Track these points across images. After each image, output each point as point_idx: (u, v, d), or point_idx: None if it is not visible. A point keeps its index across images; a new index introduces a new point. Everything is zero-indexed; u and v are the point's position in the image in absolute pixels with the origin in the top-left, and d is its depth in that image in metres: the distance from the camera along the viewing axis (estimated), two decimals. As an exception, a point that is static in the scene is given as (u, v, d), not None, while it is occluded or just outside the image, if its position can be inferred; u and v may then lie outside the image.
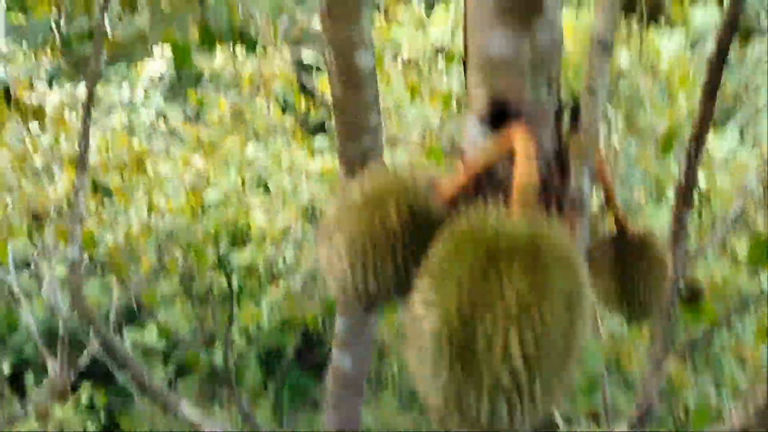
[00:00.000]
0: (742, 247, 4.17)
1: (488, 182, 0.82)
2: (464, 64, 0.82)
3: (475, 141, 0.84)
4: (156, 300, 6.52)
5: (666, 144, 3.65)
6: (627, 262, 1.41)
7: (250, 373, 8.52)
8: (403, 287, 0.88)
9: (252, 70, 6.37)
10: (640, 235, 1.43)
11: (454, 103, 4.79)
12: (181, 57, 4.02)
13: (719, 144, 6.00)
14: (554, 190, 0.82)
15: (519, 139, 0.78)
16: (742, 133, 4.79)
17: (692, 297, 3.12)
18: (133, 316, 8.43)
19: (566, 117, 0.82)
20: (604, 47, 1.44)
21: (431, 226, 0.87)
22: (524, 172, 0.78)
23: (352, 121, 2.50)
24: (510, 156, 0.80)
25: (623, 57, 5.38)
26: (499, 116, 0.79)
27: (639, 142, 4.96)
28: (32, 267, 6.13)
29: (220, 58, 6.43)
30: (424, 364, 0.78)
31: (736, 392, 3.78)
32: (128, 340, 8.01)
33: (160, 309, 7.88)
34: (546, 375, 0.77)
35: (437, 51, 4.89)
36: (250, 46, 4.25)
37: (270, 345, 8.70)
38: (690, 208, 3.15)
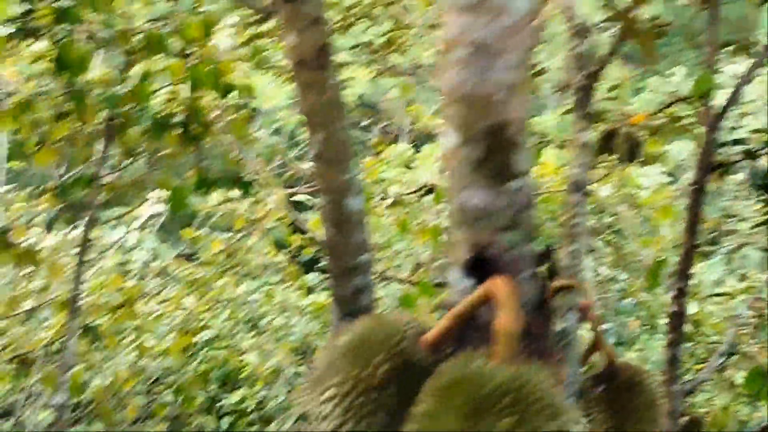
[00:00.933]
0: (740, 376, 4.12)
1: (472, 327, 0.85)
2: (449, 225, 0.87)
3: (458, 290, 0.88)
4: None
5: (653, 276, 3.72)
6: (619, 401, 1.41)
7: None
8: (392, 437, 0.88)
9: (246, 209, 6.52)
10: (630, 372, 1.44)
11: (442, 237, 4.88)
12: (178, 201, 4.12)
13: (707, 274, 6.08)
14: (536, 336, 0.84)
15: (500, 288, 0.82)
16: (729, 261, 4.88)
17: (692, 430, 3.05)
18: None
19: (545, 264, 0.86)
20: (579, 188, 1.53)
21: (418, 373, 0.88)
22: (506, 320, 0.81)
23: (343, 262, 2.56)
24: (492, 302, 0.83)
25: (605, 192, 5.57)
26: (480, 266, 0.83)
27: (628, 274, 5.04)
28: (16, 414, 5.93)
29: (214, 198, 6.59)
30: None
31: None
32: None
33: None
34: None
35: (425, 188, 5.05)
36: (245, 189, 4.37)
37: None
38: (681, 341, 3.17)
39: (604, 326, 4.35)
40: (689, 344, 4.99)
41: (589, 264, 4.62)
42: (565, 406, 0.80)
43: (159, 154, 4.81)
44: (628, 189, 5.59)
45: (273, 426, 6.49)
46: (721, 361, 3.22)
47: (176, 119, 4.17)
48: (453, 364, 0.82)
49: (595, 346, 1.38)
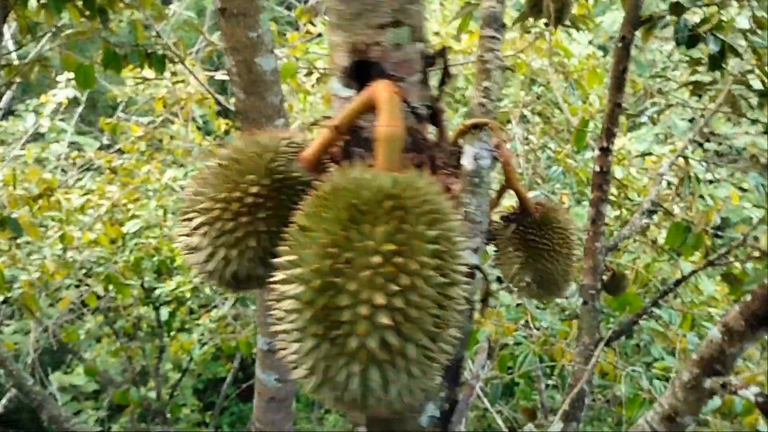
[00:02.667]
0: (663, 236, 4.26)
1: (358, 141, 0.76)
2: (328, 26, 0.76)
3: (340, 101, 0.78)
4: (77, 338, 6.21)
5: (578, 138, 3.71)
6: (531, 238, 1.38)
7: (187, 407, 8.25)
8: (271, 264, 0.80)
9: (166, 93, 6.21)
10: (544, 209, 1.40)
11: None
12: (83, 79, 3.85)
13: (637, 143, 6.17)
14: (426, 146, 0.76)
15: (381, 93, 0.72)
16: (654, 123, 4.93)
17: (614, 285, 3.14)
18: (60, 360, 8.05)
19: (435, 67, 0.77)
20: (493, 22, 1.42)
21: (296, 192, 0.80)
22: (386, 123, 0.72)
23: (257, 127, 2.43)
24: (376, 112, 0.74)
25: (535, 61, 5.49)
26: (361, 72, 0.73)
27: (557, 141, 5.05)
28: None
29: (133, 84, 6.25)
30: (288, 333, 0.70)
31: (667, 379, 3.83)
32: (55, 383, 7.65)
33: (87, 347, 7.56)
34: (420, 335, 0.70)
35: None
36: (159, 66, 4.09)
37: (205, 376, 8.46)
38: (605, 199, 3.20)
39: (533, 193, 4.38)
40: (616, 209, 5.13)
41: (519, 132, 4.60)
42: (447, 213, 0.72)
43: (66, 33, 4.45)
44: (558, 58, 5.52)
45: (213, 311, 6.51)
46: (642, 218, 3.28)
47: (75, -11, 3.83)
48: (331, 175, 0.74)
49: (508, 184, 1.33)
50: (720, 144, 8.59)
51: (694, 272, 3.08)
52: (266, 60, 2.20)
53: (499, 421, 5.54)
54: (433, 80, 0.78)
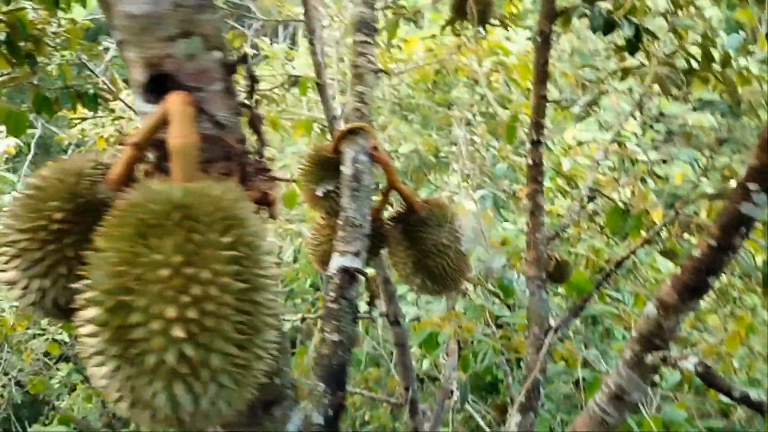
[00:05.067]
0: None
1: (167, 159, 0.76)
2: (119, 44, 0.75)
3: (143, 116, 0.78)
4: (45, 389, 6.11)
5: (509, 133, 3.75)
6: (419, 236, 1.39)
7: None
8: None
9: (114, 130, 6.17)
10: (429, 207, 1.41)
11: (314, 130, 4.77)
12: (14, 126, 3.81)
13: (584, 134, 6.25)
14: (236, 157, 0.76)
15: (172, 105, 0.73)
16: (588, 113, 4.99)
17: (559, 273, 3.17)
18: (38, 412, 7.91)
19: (236, 73, 0.77)
20: (363, 27, 1.44)
21: (103, 213, 0.80)
22: (177, 134, 0.72)
23: (119, 143, 2.42)
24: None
25: (474, 62, 5.55)
26: (160, 86, 0.73)
27: (501, 140, 5.10)
28: None
29: (74, 125, 6.19)
30: (91, 357, 0.70)
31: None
32: (35, 437, 7.51)
33: (62, 397, 7.43)
34: (222, 344, 0.69)
35: (291, 79, 4.87)
36: (91, 105, 4.07)
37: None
38: (541, 190, 3.24)
39: (481, 192, 4.42)
40: (568, 199, 5.18)
41: (462, 134, 4.64)
42: (245, 219, 0.73)
43: (-3, 81, 4.40)
44: (496, 57, 5.59)
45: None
46: (582, 205, 3.32)
47: (-1, 37, 3.80)
48: (129, 193, 0.74)
49: (391, 185, 1.34)
50: (670, 123, 8.73)
51: (632, 252, 3.12)
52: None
53: (479, 420, 5.55)
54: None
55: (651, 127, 8.21)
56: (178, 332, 0.67)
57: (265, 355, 0.73)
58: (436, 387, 6.39)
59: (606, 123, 7.59)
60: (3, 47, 3.92)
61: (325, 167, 1.34)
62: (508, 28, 4.50)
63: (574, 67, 6.44)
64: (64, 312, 0.83)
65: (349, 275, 1.12)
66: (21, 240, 0.83)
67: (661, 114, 8.66)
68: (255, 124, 0.80)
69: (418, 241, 1.37)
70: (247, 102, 0.79)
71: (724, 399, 3.82)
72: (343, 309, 1.10)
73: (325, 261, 1.50)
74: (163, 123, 0.74)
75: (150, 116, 0.75)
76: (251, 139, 0.80)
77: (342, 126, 1.51)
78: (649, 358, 2.38)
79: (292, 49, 8.50)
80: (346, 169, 1.23)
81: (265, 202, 0.77)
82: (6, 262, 0.83)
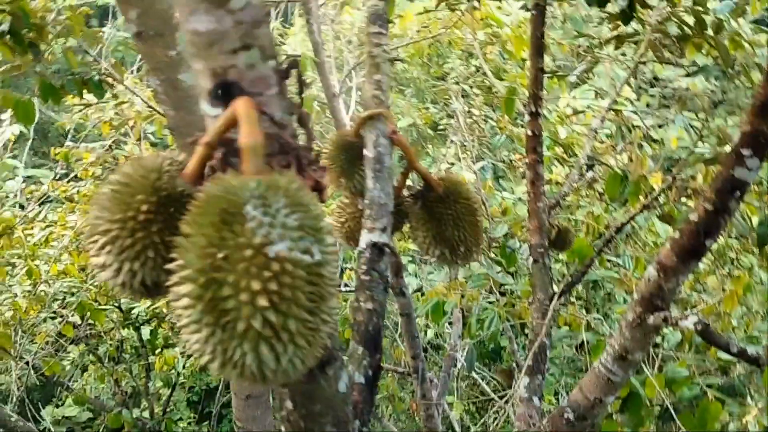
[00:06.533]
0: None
1: (234, 154, 0.87)
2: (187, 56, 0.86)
3: (210, 119, 0.89)
4: (59, 370, 6.25)
5: (507, 105, 3.84)
6: (438, 211, 1.50)
7: (183, 421, 8.32)
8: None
9: (114, 114, 6.23)
10: (446, 184, 1.53)
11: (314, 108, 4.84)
12: (23, 114, 3.89)
13: (579, 102, 6.33)
14: (293, 152, 0.87)
15: (240, 108, 0.83)
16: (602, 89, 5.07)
17: (561, 240, 3.29)
18: (50, 394, 8.07)
19: (289, 78, 0.87)
20: (377, 19, 1.53)
21: (182, 204, 0.92)
22: (245, 134, 0.83)
23: (190, 141, 2.50)
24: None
25: (469, 35, 5.60)
26: (225, 92, 0.84)
27: (498, 111, 5.18)
28: None
29: (76, 111, 6.25)
30: (187, 326, 0.82)
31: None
32: (48, 417, 7.67)
33: (74, 377, 7.58)
34: (297, 311, 0.81)
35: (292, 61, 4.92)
36: (97, 91, 4.13)
37: (198, 387, 8.53)
38: (540, 161, 3.34)
39: (481, 163, 4.52)
40: (567, 168, 5.28)
41: (459, 107, 4.72)
42: (308, 204, 0.84)
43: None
44: (491, 29, 5.64)
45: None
46: (581, 173, 3.42)
47: (1, 28, 3.85)
48: (207, 186, 0.86)
49: (410, 165, 1.44)
50: (665, 88, 8.79)
51: (632, 217, 3.23)
52: (189, 75, 2.28)
53: (484, 386, 5.71)
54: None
55: (645, 92, 8.28)
56: (262, 302, 0.79)
57: (330, 319, 0.85)
58: (439, 356, 6.55)
59: (601, 90, 7.66)
60: (6, 37, 3.98)
61: (347, 151, 1.46)
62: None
63: (567, 34, 6.49)
64: (148, 290, 0.97)
65: (378, 249, 1.23)
66: (113, 229, 0.96)
67: (655, 78, 8.71)
68: (303, 121, 0.90)
69: (437, 216, 1.49)
70: (296, 102, 0.89)
71: (724, 356, 3.96)
72: (374, 280, 1.21)
73: (350, 237, 1.62)
74: (231, 124, 0.85)
75: (219, 119, 0.85)
76: (300, 133, 0.90)
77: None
78: (651, 319, 2.51)
79: (284, 26, 8.50)
80: (369, 152, 1.33)
81: (317, 188, 0.88)
82: (99, 248, 0.95)
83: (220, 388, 8.00)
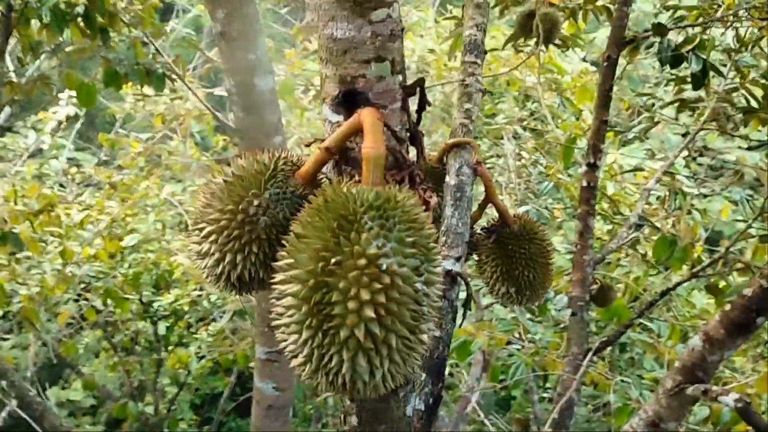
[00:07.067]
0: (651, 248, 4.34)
1: (347, 160, 0.86)
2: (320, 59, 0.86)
3: (330, 125, 0.88)
4: (76, 352, 6.27)
5: (566, 154, 3.81)
6: (509, 248, 1.47)
7: (185, 422, 8.27)
8: (272, 267, 0.91)
9: (165, 109, 6.31)
10: (522, 223, 1.50)
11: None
12: (85, 97, 3.95)
13: (629, 158, 6.27)
14: (407, 167, 0.86)
15: (366, 118, 0.82)
16: (643, 140, 5.03)
17: (602, 297, 3.23)
18: (57, 375, 8.09)
19: (413, 96, 0.86)
20: (474, 49, 1.52)
21: (293, 204, 0.91)
22: (371, 145, 0.82)
23: (255, 144, 2.52)
24: (363, 135, 0.84)
25: (529, 78, 5.60)
26: (350, 100, 0.83)
27: (549, 157, 5.15)
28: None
29: (131, 100, 6.34)
30: (287, 326, 0.81)
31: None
32: (52, 398, 7.68)
33: (85, 362, 7.60)
34: (400, 327, 0.80)
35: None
36: (159, 84, 4.19)
37: (204, 390, 8.49)
38: (593, 213, 3.30)
39: (525, 208, 4.48)
40: (608, 224, 5.22)
41: (510, 148, 4.70)
42: (423, 223, 0.83)
43: (66, 50, 4.55)
44: (551, 75, 5.64)
45: (211, 325, 6.57)
46: (629, 232, 3.38)
47: (77, 10, 3.94)
48: (323, 190, 0.85)
49: (488, 198, 1.42)
50: (713, 159, 8.69)
51: (678, 284, 3.17)
52: (264, 80, 2.31)
53: (493, 433, 5.60)
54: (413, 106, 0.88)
55: (694, 159, 8.19)
56: (369, 312, 0.78)
57: (426, 341, 0.83)
58: (449, 395, 6.45)
59: (650, 150, 7.58)
60: (80, 19, 4.06)
61: (428, 176, 1.44)
62: (568, 48, 4.54)
63: (621, 91, 6.46)
64: (242, 284, 0.96)
65: (450, 278, 1.21)
66: (221, 219, 0.95)
67: (705, 147, 8.61)
68: (417, 139, 0.89)
69: (509, 253, 1.46)
70: (413, 120, 0.88)
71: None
72: (444, 308, 1.19)
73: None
74: (353, 132, 0.84)
75: (344, 125, 0.84)
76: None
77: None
78: (690, 390, 2.44)
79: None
80: (451, 180, 1.32)
81: (426, 208, 0.86)
82: (203, 236, 0.95)
83: (224, 394, 7.96)
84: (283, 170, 0.96)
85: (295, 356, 0.81)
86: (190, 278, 5.95)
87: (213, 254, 0.96)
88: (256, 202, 0.94)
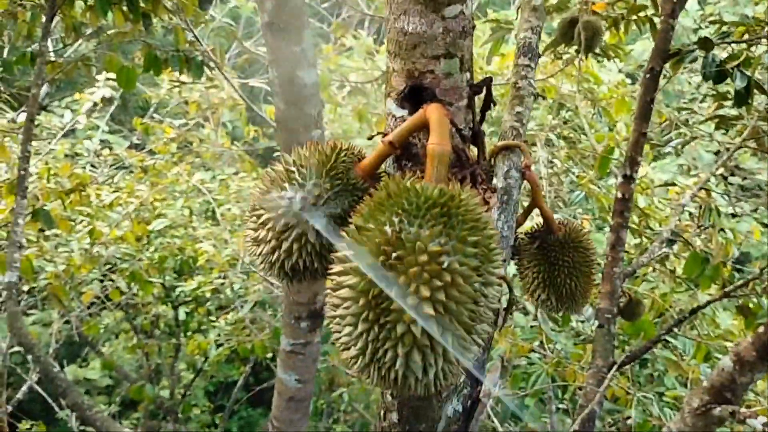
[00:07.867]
0: (681, 264, 4.28)
1: (409, 156, 0.85)
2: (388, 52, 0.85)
3: (394, 119, 0.87)
4: (98, 332, 6.33)
5: (602, 164, 3.77)
6: (553, 255, 1.46)
7: (198, 408, 8.33)
8: (327, 258, 0.90)
9: (199, 97, 6.36)
10: (567, 230, 1.48)
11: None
12: (125, 80, 3.98)
13: (661, 173, 6.20)
14: (467, 163, 0.85)
15: (432, 114, 0.81)
16: (678, 155, 4.97)
17: (630, 311, 3.19)
18: (76, 353, 8.19)
19: (480, 95, 0.85)
20: (528, 52, 1.51)
21: (352, 195, 0.90)
22: (436, 141, 0.81)
23: (294, 137, 2.52)
24: (426, 131, 0.83)
25: (564, 86, 5.56)
26: (416, 96, 0.82)
27: (581, 166, 5.11)
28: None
29: (167, 86, 6.39)
30: (342, 318, 0.80)
31: (678, 408, 3.85)
32: (69, 376, 7.77)
33: (104, 342, 7.68)
34: (457, 326, 0.79)
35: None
36: (197, 72, 4.21)
37: (218, 378, 8.55)
38: (626, 225, 3.26)
39: (555, 216, 4.44)
40: (637, 237, 5.16)
41: (543, 156, 4.67)
42: (486, 223, 0.82)
43: (108, 33, 4.59)
44: (587, 84, 5.59)
45: (231, 313, 6.61)
46: (661, 247, 3.33)
47: (122, -6, 3.98)
48: (386, 183, 0.84)
49: (534, 203, 1.41)
50: (744, 179, 8.57)
51: (709, 303, 3.12)
52: (308, 73, 2.30)
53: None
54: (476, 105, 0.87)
55: (725, 178, 8.08)
56: (428, 309, 0.77)
57: (481, 342, 0.82)
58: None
59: (682, 166, 7.49)
60: (123, 3, 4.10)
61: None
62: (609, 58, 4.50)
63: (657, 104, 6.39)
64: (295, 273, 0.95)
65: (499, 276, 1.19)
66: (281, 206, 0.94)
67: (737, 167, 8.50)
68: (480, 138, 0.88)
69: (552, 260, 1.45)
70: (477, 119, 0.87)
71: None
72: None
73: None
74: (418, 128, 0.83)
75: (408, 120, 0.84)
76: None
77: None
78: (717, 410, 2.40)
79: (376, 41, 8.59)
80: (498, 183, 1.30)
81: (486, 208, 0.85)
82: (260, 223, 0.94)
83: (238, 384, 8.01)
84: (344, 162, 0.96)
85: (347, 348, 0.81)
86: (214, 266, 5.99)
87: (269, 241, 0.95)
88: (316, 192, 0.94)
